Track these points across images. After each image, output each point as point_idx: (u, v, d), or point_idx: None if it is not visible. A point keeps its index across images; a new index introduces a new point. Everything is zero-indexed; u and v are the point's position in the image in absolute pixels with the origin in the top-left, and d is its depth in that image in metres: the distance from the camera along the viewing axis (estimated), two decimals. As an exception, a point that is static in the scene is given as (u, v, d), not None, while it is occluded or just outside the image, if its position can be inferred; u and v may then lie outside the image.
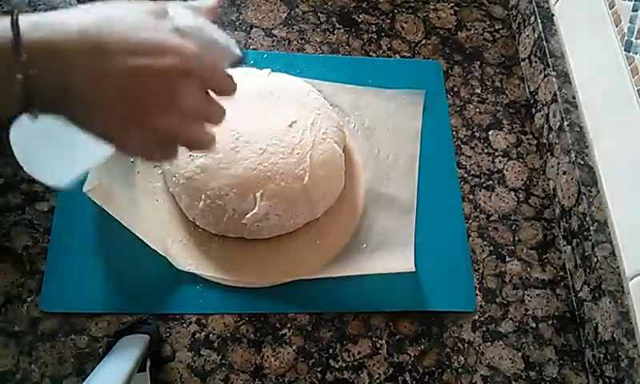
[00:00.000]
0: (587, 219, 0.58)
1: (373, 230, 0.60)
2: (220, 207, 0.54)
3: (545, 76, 0.68)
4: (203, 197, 0.54)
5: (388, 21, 0.75)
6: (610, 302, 0.54)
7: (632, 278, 0.54)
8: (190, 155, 0.54)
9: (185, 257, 0.55)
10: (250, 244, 0.57)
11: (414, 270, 0.55)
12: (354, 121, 0.66)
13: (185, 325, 0.54)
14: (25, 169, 0.37)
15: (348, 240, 0.59)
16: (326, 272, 0.56)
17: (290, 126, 0.56)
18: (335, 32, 0.73)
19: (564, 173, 0.63)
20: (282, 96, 0.59)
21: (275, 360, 0.54)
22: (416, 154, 0.65)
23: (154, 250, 0.54)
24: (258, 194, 0.53)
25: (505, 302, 0.60)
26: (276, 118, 0.57)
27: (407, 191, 0.62)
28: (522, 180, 0.67)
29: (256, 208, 0.53)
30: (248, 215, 0.54)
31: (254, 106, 0.57)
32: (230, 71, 0.39)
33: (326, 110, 0.61)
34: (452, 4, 0.78)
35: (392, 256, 0.57)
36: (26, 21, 0.30)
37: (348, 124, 0.65)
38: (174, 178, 0.55)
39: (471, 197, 0.65)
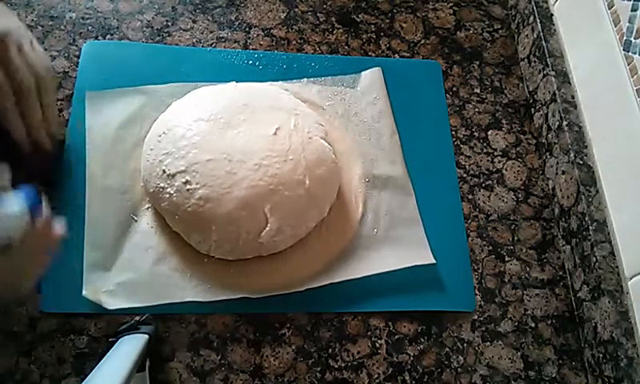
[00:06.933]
0: (586, 219, 0.58)
1: (379, 213, 0.60)
2: (233, 232, 0.52)
3: (544, 76, 0.68)
4: (214, 227, 0.52)
5: (387, 21, 0.75)
6: (609, 302, 0.54)
7: (631, 278, 0.54)
8: (188, 189, 0.52)
9: (209, 287, 0.54)
10: (266, 258, 0.56)
11: (434, 261, 0.56)
12: (327, 112, 0.65)
13: (184, 325, 0.54)
14: None
15: (357, 229, 0.59)
16: (346, 272, 0.56)
17: (275, 133, 0.56)
18: (334, 32, 0.73)
19: (563, 172, 0.63)
20: (257, 105, 0.58)
21: (274, 360, 0.54)
22: (394, 130, 0.65)
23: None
24: (266, 210, 0.53)
25: (504, 301, 0.60)
26: (259, 129, 0.56)
27: (397, 167, 0.63)
28: (521, 180, 0.67)
29: (268, 225, 0.53)
30: (263, 233, 0.53)
31: (234, 123, 0.56)
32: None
33: (302, 108, 0.61)
34: (451, 4, 0.78)
35: (407, 244, 0.58)
36: None
37: (323, 116, 0.65)
38: (176, 217, 0.53)
39: (470, 197, 0.65)
